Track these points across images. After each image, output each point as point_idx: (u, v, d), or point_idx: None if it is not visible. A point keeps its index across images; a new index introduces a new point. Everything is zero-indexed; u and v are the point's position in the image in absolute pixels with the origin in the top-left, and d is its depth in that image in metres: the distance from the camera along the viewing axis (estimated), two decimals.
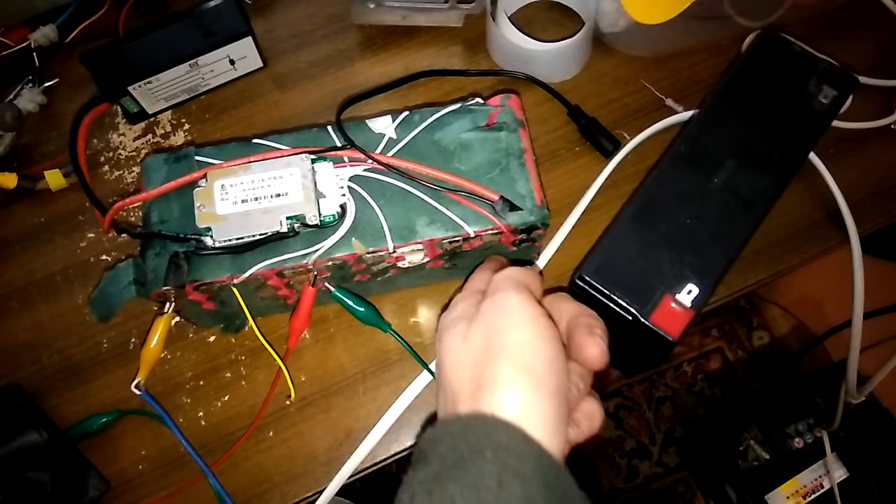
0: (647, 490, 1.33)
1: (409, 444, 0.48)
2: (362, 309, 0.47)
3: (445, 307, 0.40)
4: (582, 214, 0.52)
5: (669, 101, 0.55)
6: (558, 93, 0.55)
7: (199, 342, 0.51)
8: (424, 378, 0.49)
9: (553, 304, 0.37)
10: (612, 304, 0.39)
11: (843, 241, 0.51)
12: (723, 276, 0.39)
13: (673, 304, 0.38)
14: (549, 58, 0.54)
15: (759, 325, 1.46)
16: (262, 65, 0.58)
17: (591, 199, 0.52)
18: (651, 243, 0.40)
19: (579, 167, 0.54)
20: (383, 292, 0.51)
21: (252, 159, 0.44)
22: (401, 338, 0.48)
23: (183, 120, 0.58)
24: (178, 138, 0.57)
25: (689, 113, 0.54)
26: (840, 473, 1.10)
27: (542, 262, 0.51)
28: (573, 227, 0.52)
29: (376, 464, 0.49)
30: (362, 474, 0.49)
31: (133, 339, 0.51)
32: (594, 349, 0.33)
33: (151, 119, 0.57)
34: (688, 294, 0.38)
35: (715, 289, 0.39)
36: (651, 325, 0.38)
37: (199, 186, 0.43)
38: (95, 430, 0.48)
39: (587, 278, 0.39)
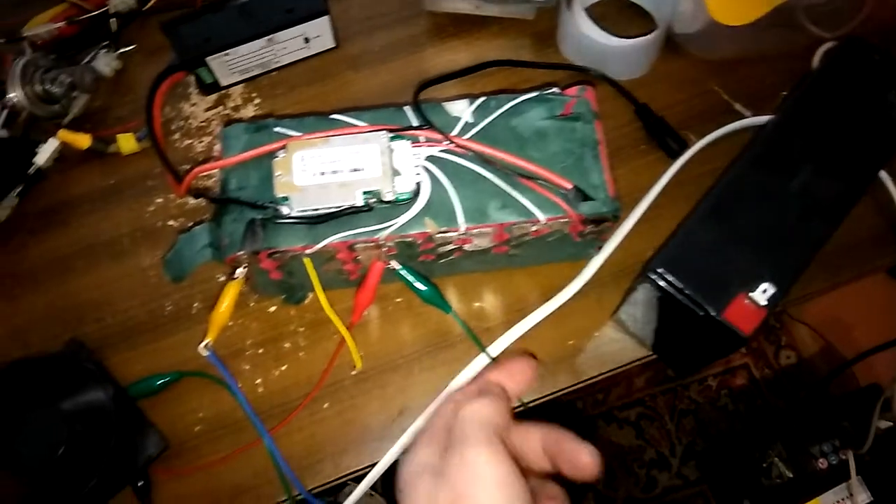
0: (665, 501, 1.33)
1: None
2: (426, 288, 0.48)
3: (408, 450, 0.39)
4: (644, 212, 0.52)
5: (738, 106, 0.55)
6: (627, 90, 0.56)
7: (260, 311, 0.52)
8: (480, 361, 0.49)
9: (523, 434, 0.36)
10: (683, 299, 0.39)
11: None
12: (798, 276, 0.39)
13: (747, 302, 0.39)
14: (622, 54, 0.55)
15: (787, 345, 1.45)
16: (334, 45, 0.59)
17: (655, 198, 0.53)
18: (727, 240, 0.40)
19: (643, 165, 0.55)
20: (444, 275, 0.51)
21: (332, 133, 0.44)
22: (460, 319, 0.48)
23: (254, 94, 0.59)
24: (248, 112, 0.58)
25: (757, 118, 0.55)
26: (863, 497, 1.09)
27: (602, 257, 0.51)
28: (635, 225, 0.52)
29: None
30: None
31: (196, 304, 0.52)
32: (587, 457, 0.33)
33: (223, 91, 0.58)
34: (762, 293, 0.39)
35: (789, 289, 0.39)
36: (724, 322, 0.38)
37: (277, 156, 0.44)
38: (155, 390, 0.49)
39: (660, 272, 0.40)
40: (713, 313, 0.38)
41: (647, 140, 0.55)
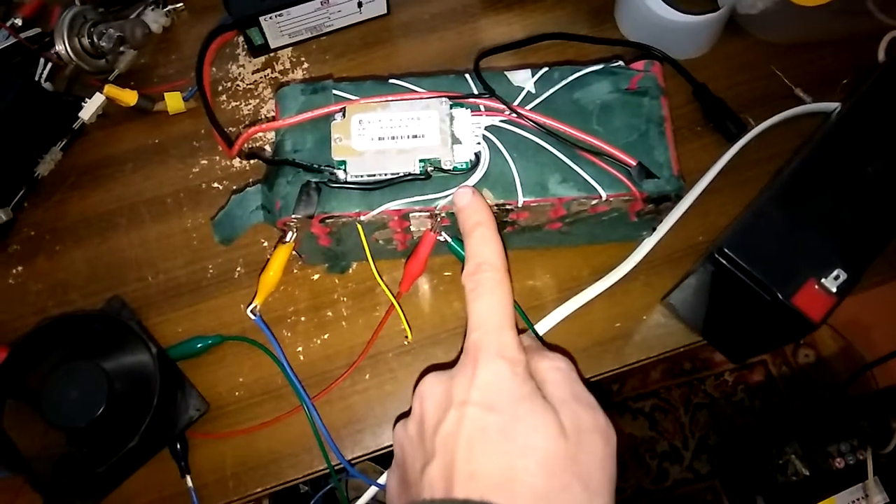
0: (675, 494, 1.32)
1: None
2: None
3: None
4: (700, 195, 0.51)
5: (799, 91, 0.54)
6: (685, 69, 0.54)
7: (304, 279, 0.51)
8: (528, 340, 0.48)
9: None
10: (751, 282, 0.38)
11: None
12: (869, 264, 0.38)
13: (817, 288, 0.37)
14: (684, 31, 0.53)
15: (806, 343, 1.44)
16: (386, 12, 0.57)
17: (710, 181, 0.52)
18: (798, 224, 0.39)
19: (700, 147, 0.53)
20: None
21: (392, 98, 0.43)
22: None
23: (302, 58, 0.57)
24: (297, 75, 0.57)
25: (818, 105, 0.53)
26: (880, 498, 1.09)
27: (654, 238, 0.50)
28: (689, 208, 0.51)
29: None
30: None
31: (239, 269, 0.51)
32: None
33: (272, 54, 0.57)
34: (834, 279, 0.37)
35: (861, 276, 0.38)
36: (793, 307, 0.37)
37: (335, 119, 0.43)
38: (196, 352, 0.49)
39: (728, 252, 0.38)
40: (782, 298, 0.37)
41: (703, 122, 0.54)
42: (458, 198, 0.40)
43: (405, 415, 0.36)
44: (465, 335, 0.35)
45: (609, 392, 1.38)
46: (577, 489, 0.30)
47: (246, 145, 0.52)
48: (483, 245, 0.37)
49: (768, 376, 1.41)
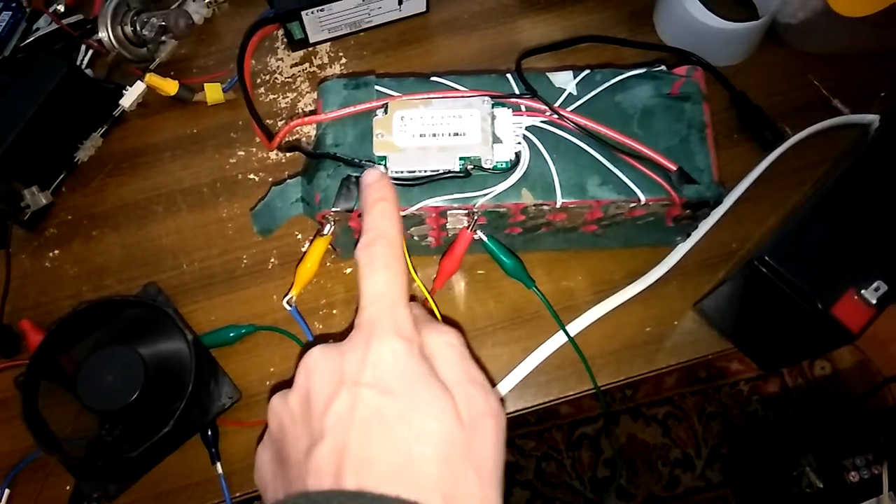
0: (686, 502, 1.32)
1: (533, 403, 0.48)
2: (510, 261, 0.47)
3: None
4: (735, 203, 0.51)
5: (836, 102, 0.54)
6: (724, 76, 0.54)
7: (336, 272, 0.51)
8: (557, 340, 0.48)
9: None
10: (790, 291, 0.38)
11: None
12: None
13: (857, 299, 0.37)
14: (724, 38, 0.53)
15: (822, 355, 1.43)
16: (425, 9, 0.58)
17: (746, 189, 0.52)
18: (839, 236, 0.39)
19: (735, 155, 0.53)
20: (524, 250, 0.50)
21: (434, 95, 0.44)
22: (543, 295, 0.48)
23: (340, 53, 0.58)
24: (334, 70, 0.57)
25: (856, 116, 0.53)
26: None
27: (688, 244, 0.50)
28: (724, 215, 0.51)
29: None
30: None
31: (272, 260, 0.52)
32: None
33: (310, 49, 0.58)
34: (875, 290, 0.37)
35: None
36: (832, 317, 0.37)
37: (377, 115, 0.43)
38: (228, 341, 0.49)
39: (769, 260, 0.38)
40: (821, 307, 0.37)
41: (739, 129, 0.54)
42: (366, 175, 0.39)
43: (283, 386, 0.33)
44: (356, 310, 0.33)
45: (622, 396, 1.38)
46: (472, 477, 0.29)
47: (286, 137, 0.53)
48: (383, 218, 0.36)
49: (783, 387, 1.41)
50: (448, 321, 0.37)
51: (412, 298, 0.35)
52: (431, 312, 0.40)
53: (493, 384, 0.31)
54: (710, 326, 0.49)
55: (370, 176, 0.39)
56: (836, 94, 0.55)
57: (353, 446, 0.29)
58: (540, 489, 1.30)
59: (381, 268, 0.33)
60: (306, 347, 0.33)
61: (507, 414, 0.49)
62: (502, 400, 0.45)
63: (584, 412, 1.35)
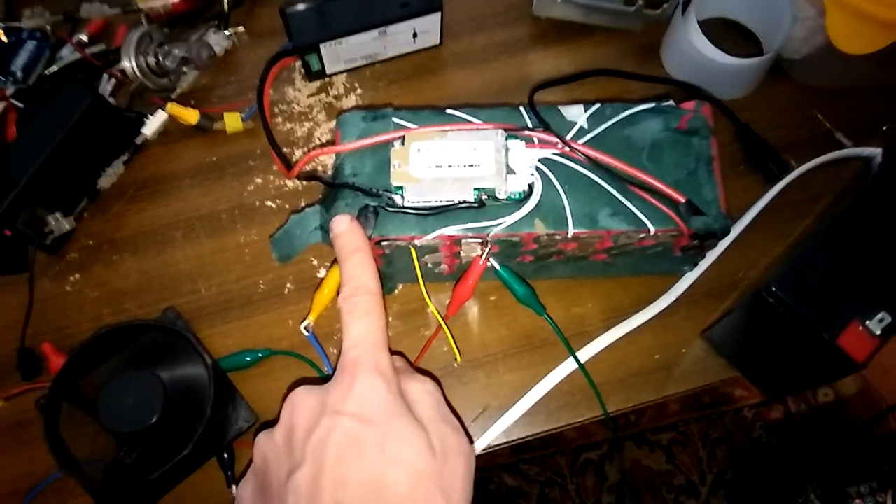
0: None
1: (543, 428, 0.49)
2: (522, 289, 0.48)
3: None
4: (741, 233, 0.52)
5: (840, 135, 0.55)
6: (730, 110, 0.56)
7: None
8: (567, 367, 0.49)
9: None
10: (796, 321, 0.39)
11: None
12: None
13: (861, 329, 0.38)
14: (730, 73, 0.55)
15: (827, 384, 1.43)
16: (439, 42, 0.59)
17: (752, 220, 0.53)
18: (844, 267, 0.40)
19: (741, 186, 0.55)
20: (535, 278, 0.51)
21: (449, 127, 0.45)
22: (554, 323, 0.49)
23: (356, 84, 0.59)
24: (350, 101, 0.59)
25: (859, 149, 0.54)
26: None
27: (696, 273, 0.51)
28: (730, 244, 0.52)
29: (508, 442, 0.49)
30: (492, 450, 0.49)
31: (288, 285, 0.53)
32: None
33: (326, 80, 0.59)
34: (879, 321, 0.38)
35: None
36: (838, 347, 0.38)
37: (394, 146, 0.45)
38: (245, 365, 0.50)
39: (775, 291, 0.39)
40: (827, 338, 0.38)
41: (745, 161, 0.56)
42: (335, 224, 0.41)
43: (270, 425, 0.36)
44: (339, 354, 0.36)
45: (626, 422, 1.38)
46: (440, 502, 0.31)
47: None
48: (360, 269, 0.38)
49: (787, 414, 1.41)
50: (425, 372, 0.39)
51: (393, 352, 0.38)
52: (411, 364, 0.43)
53: (470, 437, 0.35)
54: (718, 355, 0.50)
55: (339, 225, 0.41)
56: (839, 127, 0.56)
57: (330, 468, 0.31)
58: None
59: (363, 315, 0.36)
60: (293, 386, 0.35)
61: (518, 439, 0.50)
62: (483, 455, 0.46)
63: (590, 438, 1.35)
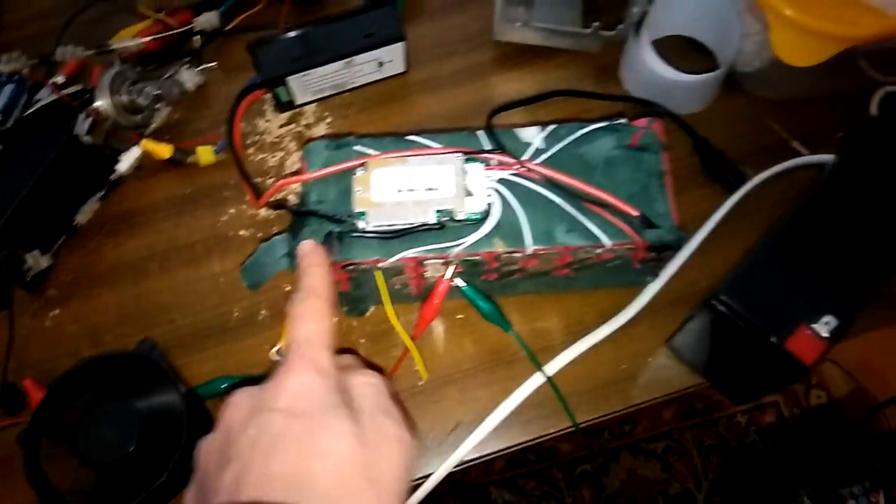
0: None
1: (516, 441, 0.50)
2: (487, 306, 0.49)
3: None
4: (701, 243, 0.54)
5: (795, 144, 0.57)
6: (687, 124, 0.57)
7: None
8: (536, 380, 0.50)
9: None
10: (747, 328, 0.40)
11: None
12: (859, 311, 0.40)
13: (809, 333, 0.40)
14: (685, 89, 0.56)
15: (817, 384, 1.44)
16: (404, 70, 0.61)
17: (711, 230, 0.54)
18: (791, 273, 0.42)
19: (700, 198, 0.56)
20: (502, 295, 0.53)
21: (409, 153, 0.47)
22: (520, 338, 0.50)
23: (326, 113, 0.61)
24: (320, 130, 0.60)
25: (814, 157, 0.56)
26: None
27: (658, 284, 0.52)
28: (691, 255, 0.53)
29: (481, 457, 0.50)
30: (464, 466, 0.50)
31: (263, 311, 0.54)
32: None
33: (297, 110, 0.61)
34: (825, 325, 0.40)
35: (852, 322, 0.40)
36: (786, 351, 0.39)
37: (356, 173, 0.46)
38: (221, 392, 0.51)
39: (725, 300, 0.41)
40: (776, 342, 0.40)
41: (704, 173, 0.57)
42: (302, 247, 0.43)
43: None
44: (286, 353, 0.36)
45: (621, 432, 1.39)
46: (369, 494, 0.31)
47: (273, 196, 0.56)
48: (315, 279, 0.39)
49: (780, 417, 1.42)
50: (377, 368, 0.40)
51: (345, 350, 0.39)
52: (366, 362, 0.43)
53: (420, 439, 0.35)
54: (682, 362, 0.51)
55: (306, 248, 0.42)
56: (794, 136, 0.58)
57: (256, 465, 0.31)
58: None
59: (308, 318, 0.37)
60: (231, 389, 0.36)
61: (492, 453, 0.51)
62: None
63: (585, 449, 1.36)
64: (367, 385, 0.36)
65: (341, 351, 0.38)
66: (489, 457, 0.51)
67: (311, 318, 0.37)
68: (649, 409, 0.51)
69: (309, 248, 0.42)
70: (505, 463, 1.34)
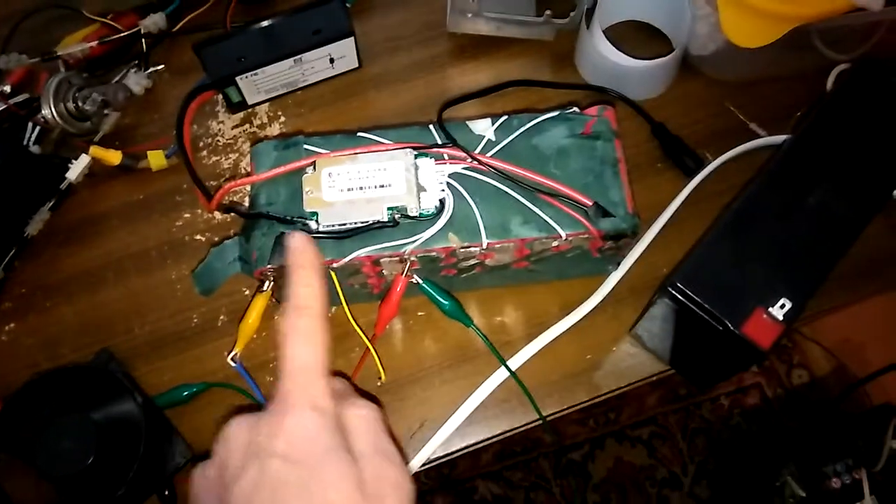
0: None
1: (479, 438, 0.50)
2: (448, 302, 0.49)
3: None
4: (662, 229, 0.53)
5: (753, 126, 0.57)
6: (643, 110, 0.57)
7: None
8: (500, 375, 0.50)
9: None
10: (703, 314, 0.40)
11: None
12: (814, 292, 0.40)
13: (765, 317, 0.39)
14: (639, 75, 0.56)
15: (799, 364, 1.45)
16: (357, 65, 0.60)
17: (671, 216, 0.54)
18: (745, 257, 0.41)
19: (660, 183, 0.56)
20: (464, 290, 0.52)
21: (359, 150, 0.46)
22: (482, 333, 0.49)
23: (279, 113, 0.60)
24: (274, 129, 0.59)
25: (772, 138, 0.56)
26: None
27: (619, 273, 0.52)
28: (652, 241, 0.53)
29: (447, 455, 0.50)
30: (432, 465, 0.50)
31: (222, 317, 0.53)
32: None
33: (250, 110, 0.60)
34: (780, 308, 0.39)
35: (806, 304, 0.40)
36: (743, 336, 0.39)
37: (306, 173, 0.45)
38: (182, 400, 0.50)
39: (680, 286, 0.40)
40: (732, 327, 0.39)
41: (663, 159, 0.57)
42: (289, 239, 0.40)
43: (204, 457, 0.35)
44: (280, 377, 0.34)
45: (606, 420, 1.39)
46: None
47: (225, 199, 0.55)
48: (307, 289, 0.37)
49: (764, 399, 1.42)
50: (369, 396, 0.39)
51: (335, 373, 0.37)
52: (355, 387, 0.42)
53: (407, 461, 0.34)
54: (646, 350, 0.51)
55: (294, 241, 0.39)
56: (752, 118, 0.57)
57: None
58: None
59: (302, 341, 0.34)
60: (229, 416, 0.35)
61: (458, 450, 0.50)
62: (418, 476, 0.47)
63: (570, 438, 1.36)
64: (362, 419, 0.35)
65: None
66: (457, 454, 0.51)
67: (306, 341, 0.35)
68: (633, 395, 0.51)
69: (299, 244, 0.39)
70: (492, 456, 1.34)
